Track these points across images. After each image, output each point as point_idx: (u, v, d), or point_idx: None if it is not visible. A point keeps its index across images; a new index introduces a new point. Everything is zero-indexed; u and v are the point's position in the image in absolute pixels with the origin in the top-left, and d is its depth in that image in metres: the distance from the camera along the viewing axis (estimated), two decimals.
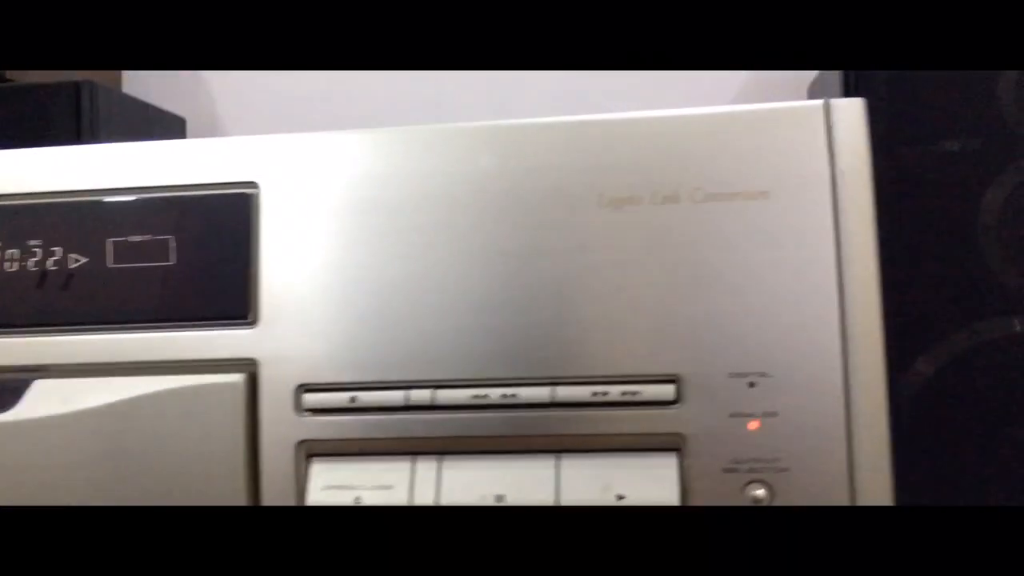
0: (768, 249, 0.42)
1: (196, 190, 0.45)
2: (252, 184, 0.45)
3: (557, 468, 0.43)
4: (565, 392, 0.42)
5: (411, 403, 0.43)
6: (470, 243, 0.43)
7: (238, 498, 0.44)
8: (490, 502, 0.42)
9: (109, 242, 0.45)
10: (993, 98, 0.76)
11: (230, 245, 0.45)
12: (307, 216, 0.45)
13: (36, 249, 0.46)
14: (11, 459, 0.44)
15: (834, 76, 0.85)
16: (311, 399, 0.44)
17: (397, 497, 0.43)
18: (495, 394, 0.43)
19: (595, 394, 0.42)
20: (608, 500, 0.42)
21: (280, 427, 0.44)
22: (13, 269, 0.46)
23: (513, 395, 0.43)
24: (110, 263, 0.45)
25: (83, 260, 0.46)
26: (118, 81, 1.19)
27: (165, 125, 1.16)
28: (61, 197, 0.46)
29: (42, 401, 0.44)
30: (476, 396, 0.43)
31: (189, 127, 1.19)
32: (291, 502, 0.44)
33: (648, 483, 0.42)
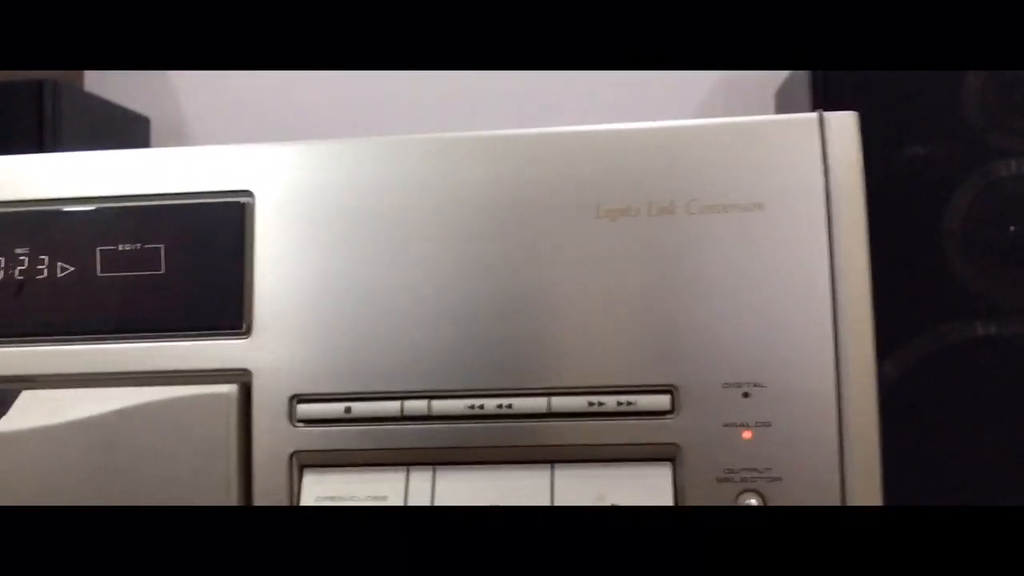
0: (763, 260, 0.42)
1: (189, 198, 0.45)
2: (247, 193, 0.45)
3: (551, 478, 0.43)
4: (561, 402, 0.43)
5: (406, 413, 0.43)
6: (465, 253, 0.43)
7: None
8: None
9: (98, 250, 0.45)
10: (959, 104, 0.77)
11: (223, 254, 0.44)
12: (302, 225, 0.44)
13: (23, 257, 0.45)
14: None
15: (802, 79, 0.86)
16: (305, 410, 0.43)
17: None
18: (491, 404, 0.43)
19: (591, 404, 0.42)
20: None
21: (273, 438, 0.43)
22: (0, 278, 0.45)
23: (509, 405, 0.43)
24: (99, 272, 0.45)
25: (71, 269, 0.45)
26: (80, 80, 1.17)
27: (129, 125, 1.14)
28: (48, 205, 0.46)
29: (29, 412, 0.44)
30: (472, 406, 0.43)
31: (153, 127, 1.17)
32: None
33: (643, 493, 0.42)
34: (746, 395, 0.42)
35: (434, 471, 0.43)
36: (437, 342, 0.43)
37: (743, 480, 0.42)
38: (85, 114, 1.04)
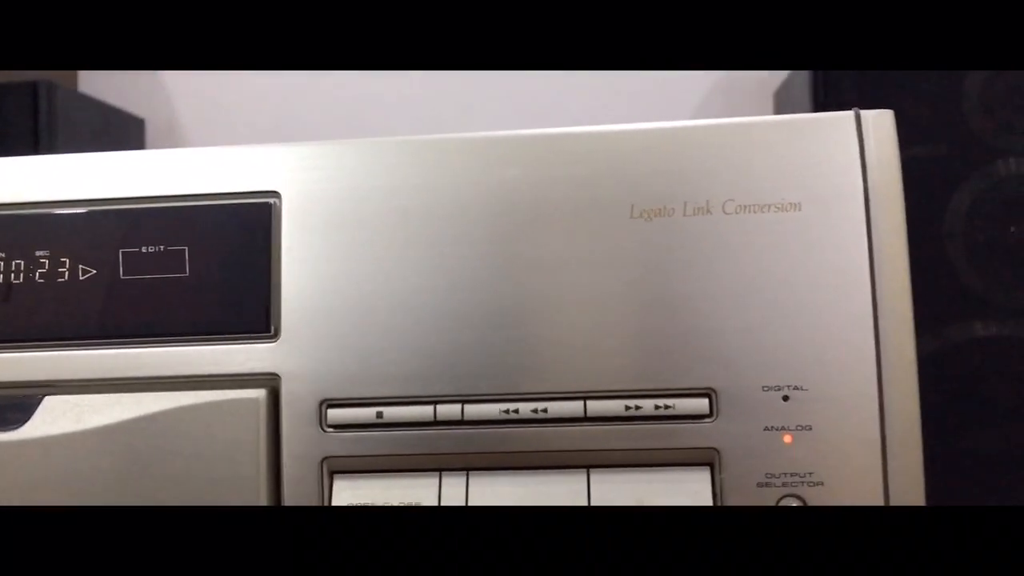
0: (801, 261, 0.42)
1: (214, 199, 0.44)
2: (274, 194, 0.44)
3: (588, 483, 0.42)
4: (597, 406, 0.42)
5: (439, 418, 0.42)
6: (498, 254, 0.43)
7: None
8: None
9: (121, 252, 0.44)
10: (959, 105, 0.77)
11: (249, 256, 0.43)
12: (330, 226, 0.43)
13: (43, 260, 0.44)
14: (21, 477, 0.42)
15: (802, 79, 0.86)
16: (336, 415, 0.42)
17: None
18: (525, 408, 0.42)
19: (628, 408, 0.42)
20: None
21: (303, 444, 0.43)
22: (19, 281, 0.44)
23: (544, 409, 0.42)
24: (122, 275, 0.44)
25: (93, 272, 0.44)
26: (74, 81, 1.16)
27: (124, 126, 1.13)
28: (70, 207, 0.45)
29: (53, 418, 0.43)
30: (506, 411, 0.42)
31: (148, 128, 1.16)
32: None
33: (681, 498, 0.41)
34: (786, 398, 0.41)
35: (467, 476, 0.43)
36: (470, 345, 0.42)
37: (784, 485, 0.41)
38: (80, 115, 1.03)
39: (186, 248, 0.44)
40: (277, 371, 0.43)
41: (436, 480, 0.43)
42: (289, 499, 0.42)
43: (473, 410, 0.42)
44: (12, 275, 0.44)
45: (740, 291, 0.42)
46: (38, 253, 0.44)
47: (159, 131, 1.17)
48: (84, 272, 0.44)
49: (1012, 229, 0.77)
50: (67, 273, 0.44)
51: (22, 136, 0.97)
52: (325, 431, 0.43)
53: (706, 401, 0.41)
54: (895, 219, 0.42)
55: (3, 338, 0.44)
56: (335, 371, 0.43)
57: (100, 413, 0.43)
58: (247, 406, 0.42)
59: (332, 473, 0.43)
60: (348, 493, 0.43)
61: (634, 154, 0.43)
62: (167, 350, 0.43)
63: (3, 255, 0.44)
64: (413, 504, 0.42)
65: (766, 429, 0.41)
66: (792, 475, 0.41)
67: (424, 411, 0.42)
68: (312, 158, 0.44)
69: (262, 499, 0.42)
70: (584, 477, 0.42)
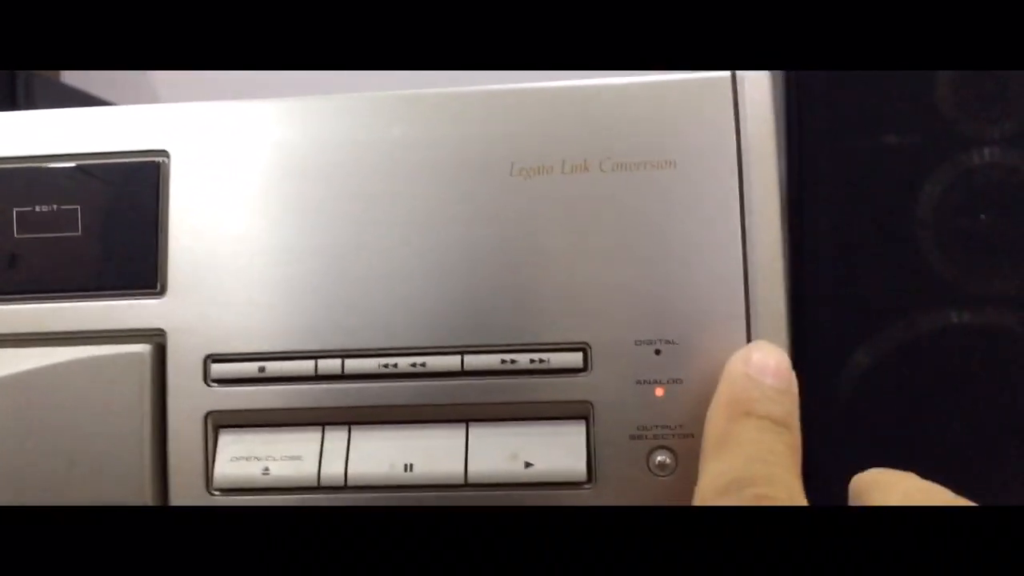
0: (675, 218, 0.42)
1: (104, 158, 0.45)
2: (163, 152, 0.45)
3: (467, 437, 0.43)
4: (474, 360, 0.42)
5: (320, 373, 0.43)
6: (380, 212, 0.43)
7: (144, 470, 0.43)
8: (399, 471, 0.42)
9: (15, 212, 0.45)
10: (931, 93, 0.77)
11: (139, 214, 0.44)
12: (219, 186, 0.44)
13: None
14: None
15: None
16: (219, 369, 0.43)
17: (306, 468, 0.43)
18: (404, 363, 0.43)
19: (504, 362, 0.42)
20: (517, 468, 0.42)
21: (188, 398, 0.43)
22: None
23: (422, 364, 0.43)
24: (15, 233, 0.45)
25: None
26: (56, 72, 1.17)
27: None
28: None
29: None
30: (385, 365, 0.43)
31: None
32: (199, 474, 0.43)
33: (556, 451, 0.42)
34: (658, 352, 0.42)
35: (349, 430, 0.43)
36: (352, 301, 0.43)
37: (655, 437, 0.42)
38: (61, 106, 1.04)
39: (79, 207, 0.45)
40: (163, 327, 0.44)
41: (319, 434, 0.43)
42: (173, 452, 0.43)
43: (353, 364, 0.43)
44: None
45: (615, 247, 0.42)
46: None
47: None
48: None
49: (982, 216, 0.77)
50: None
51: None
52: (209, 386, 0.43)
53: (580, 355, 0.42)
54: (767, 177, 0.42)
55: None
56: (220, 327, 0.43)
57: None
58: (132, 361, 0.43)
59: (217, 428, 0.44)
60: (232, 447, 0.43)
61: (514, 113, 0.44)
62: (56, 306, 0.44)
63: None
64: (295, 456, 0.43)
65: (638, 382, 0.42)
66: (663, 427, 0.42)
67: (306, 366, 0.43)
68: (201, 118, 0.45)
69: (146, 452, 0.43)
70: (463, 431, 0.43)
